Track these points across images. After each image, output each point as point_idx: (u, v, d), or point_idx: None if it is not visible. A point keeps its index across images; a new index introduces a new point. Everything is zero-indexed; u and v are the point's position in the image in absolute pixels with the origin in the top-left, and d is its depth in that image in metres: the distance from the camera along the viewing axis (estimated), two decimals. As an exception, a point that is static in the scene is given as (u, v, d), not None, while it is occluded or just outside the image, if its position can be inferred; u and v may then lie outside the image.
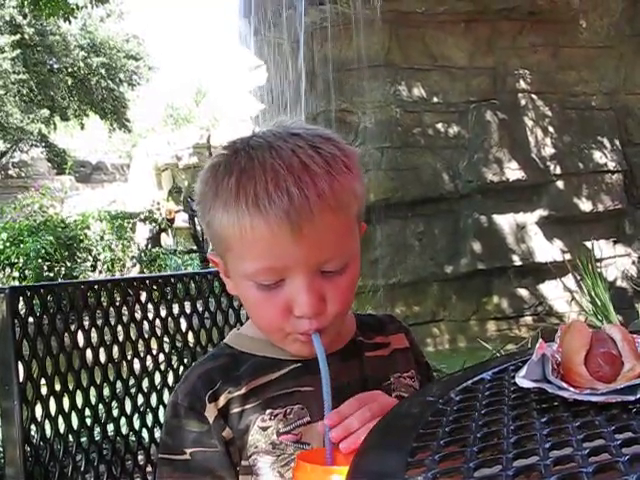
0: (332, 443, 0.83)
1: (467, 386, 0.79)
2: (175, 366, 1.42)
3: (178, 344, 1.45)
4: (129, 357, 1.36)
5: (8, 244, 8.13)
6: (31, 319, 1.16)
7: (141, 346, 1.35)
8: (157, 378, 1.40)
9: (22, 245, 8.02)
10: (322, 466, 0.80)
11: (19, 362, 1.14)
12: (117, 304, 1.32)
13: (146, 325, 1.38)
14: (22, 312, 1.15)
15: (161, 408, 1.38)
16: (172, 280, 1.44)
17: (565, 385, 0.70)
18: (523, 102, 7.42)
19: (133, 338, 1.35)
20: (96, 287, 1.29)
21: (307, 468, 0.78)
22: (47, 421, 1.20)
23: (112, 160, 25.00)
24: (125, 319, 1.33)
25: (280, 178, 0.87)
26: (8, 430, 1.15)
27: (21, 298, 1.16)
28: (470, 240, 7.26)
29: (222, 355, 1.03)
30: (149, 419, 1.40)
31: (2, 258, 8.17)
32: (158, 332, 1.42)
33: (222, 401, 0.96)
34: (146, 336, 1.38)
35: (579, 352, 0.73)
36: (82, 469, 1.23)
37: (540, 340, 0.78)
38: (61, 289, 1.22)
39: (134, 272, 9.58)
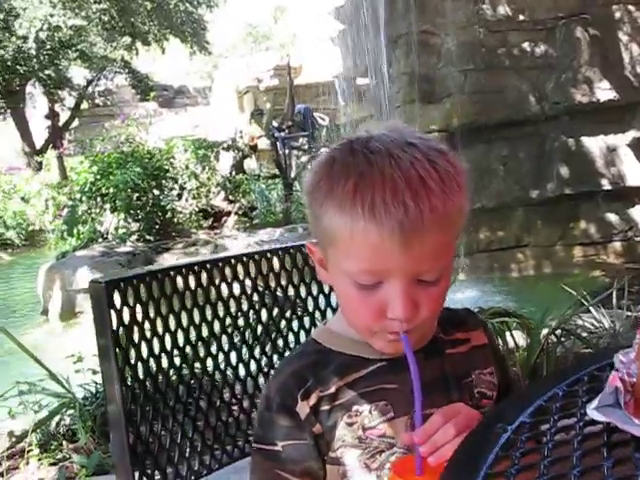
0: (421, 457, 0.88)
1: (540, 406, 0.81)
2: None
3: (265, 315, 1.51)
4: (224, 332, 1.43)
5: (99, 177, 8.42)
6: (126, 309, 1.24)
7: (230, 325, 1.42)
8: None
9: (111, 177, 8.28)
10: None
11: (117, 350, 1.23)
12: (204, 285, 1.38)
13: (233, 305, 1.43)
14: (117, 303, 1.23)
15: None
16: (255, 257, 1.49)
17: (637, 421, 0.71)
18: (617, 15, 6.99)
19: (221, 316, 1.42)
20: (184, 271, 1.35)
21: None
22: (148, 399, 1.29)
23: (194, 83, 25.19)
24: (213, 299, 1.39)
25: (398, 189, 0.90)
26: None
27: (116, 290, 1.23)
28: (556, 164, 7.06)
29: (311, 352, 1.07)
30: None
31: (94, 190, 8.49)
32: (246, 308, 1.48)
33: (313, 399, 1.01)
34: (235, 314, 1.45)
35: (653, 382, 0.74)
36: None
37: (613, 372, 0.79)
38: (152, 277, 1.29)
39: (219, 198, 9.79)
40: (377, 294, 0.94)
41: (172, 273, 1.33)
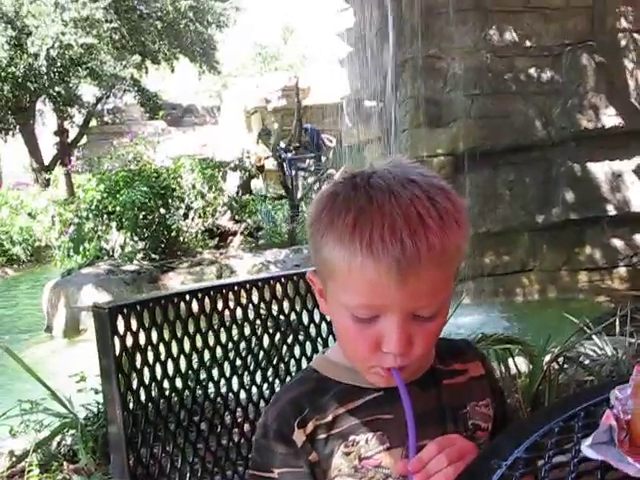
0: None
1: (535, 441, 0.82)
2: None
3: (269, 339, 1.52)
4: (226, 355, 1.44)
5: (106, 195, 8.46)
6: (129, 334, 1.25)
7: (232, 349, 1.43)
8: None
9: (118, 195, 8.32)
10: None
11: (119, 375, 1.24)
12: (207, 312, 1.40)
13: (235, 330, 1.45)
14: (120, 328, 1.25)
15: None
16: (259, 284, 1.50)
17: (630, 460, 0.72)
18: (623, 43, 7.05)
19: (223, 342, 1.43)
20: (187, 297, 1.37)
21: None
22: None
23: (202, 102, 25.35)
24: (216, 325, 1.41)
25: (396, 227, 0.91)
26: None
27: (119, 315, 1.25)
28: (562, 189, 7.07)
29: (309, 379, 1.09)
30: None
31: (100, 208, 8.53)
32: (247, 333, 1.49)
33: (310, 427, 1.02)
34: (236, 338, 1.46)
35: (647, 420, 0.75)
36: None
37: (608, 410, 0.80)
38: (155, 303, 1.31)
39: (225, 218, 9.82)
40: (373, 328, 0.95)
41: (175, 299, 1.34)
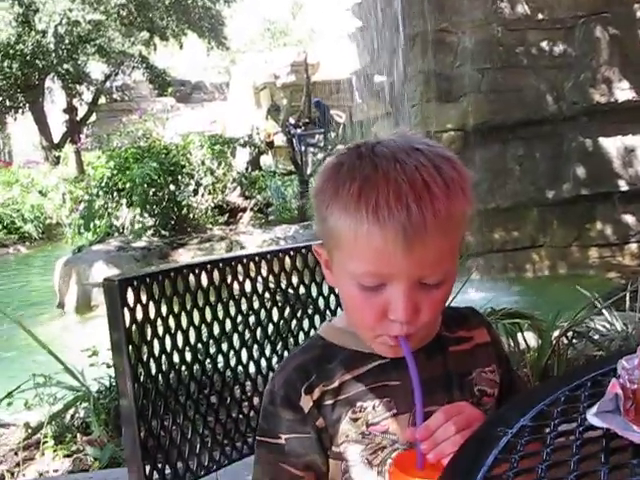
0: (422, 454, 0.91)
1: (541, 410, 0.83)
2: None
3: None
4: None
5: (115, 171, 8.47)
6: (139, 307, 1.26)
7: (242, 322, 1.44)
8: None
9: (128, 172, 8.34)
10: (412, 478, 0.89)
11: (130, 347, 1.26)
12: (216, 284, 1.41)
13: (244, 304, 1.46)
14: (130, 301, 1.26)
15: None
16: (267, 257, 1.51)
17: (635, 428, 0.72)
18: (639, 14, 6.95)
19: (233, 314, 1.44)
20: (197, 269, 1.38)
21: (400, 477, 0.90)
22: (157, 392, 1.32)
23: (211, 78, 25.26)
24: (225, 298, 1.42)
25: (402, 192, 0.92)
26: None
27: (129, 288, 1.26)
28: (573, 164, 7.03)
29: (315, 346, 1.09)
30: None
31: (110, 185, 8.55)
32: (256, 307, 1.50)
33: (317, 393, 1.03)
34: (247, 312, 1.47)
35: (653, 388, 0.75)
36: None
37: (614, 379, 0.80)
38: (165, 275, 1.32)
39: (235, 194, 9.83)
40: (380, 296, 0.96)
41: (185, 271, 1.35)
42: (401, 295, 0.94)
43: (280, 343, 1.55)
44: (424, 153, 0.96)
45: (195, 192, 9.07)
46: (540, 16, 6.97)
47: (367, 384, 1.04)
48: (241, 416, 1.52)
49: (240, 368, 1.52)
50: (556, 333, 3.09)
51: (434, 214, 0.92)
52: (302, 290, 1.61)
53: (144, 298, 1.28)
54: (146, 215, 8.46)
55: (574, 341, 3.15)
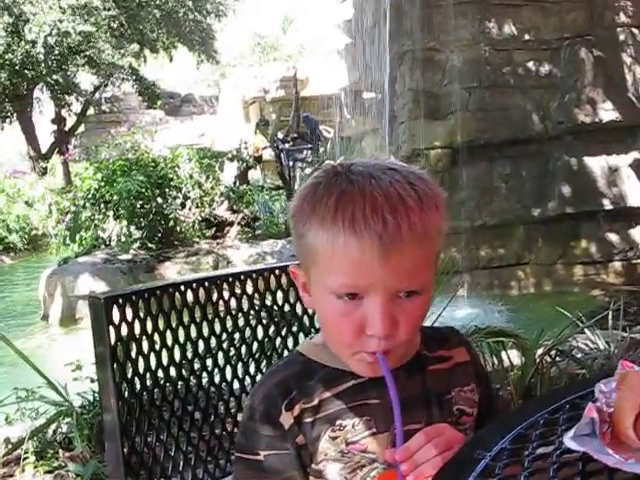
0: (402, 475, 0.91)
1: (519, 433, 0.84)
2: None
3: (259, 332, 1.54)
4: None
5: (102, 184, 8.45)
6: (124, 324, 1.27)
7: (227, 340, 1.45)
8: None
9: (116, 184, 8.32)
10: None
11: (114, 365, 1.26)
12: (202, 302, 1.42)
13: (229, 321, 1.47)
14: (115, 318, 1.26)
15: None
16: (253, 275, 1.52)
17: (611, 451, 0.74)
18: (622, 37, 7.05)
19: (218, 333, 1.45)
20: (182, 288, 1.38)
21: None
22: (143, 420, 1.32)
23: (201, 91, 25.30)
24: (210, 316, 1.43)
25: (377, 205, 0.94)
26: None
27: (114, 305, 1.27)
28: (559, 183, 7.09)
29: (296, 362, 1.10)
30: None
31: (97, 197, 8.52)
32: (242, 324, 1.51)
33: (297, 410, 1.03)
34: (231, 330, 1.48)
35: (629, 414, 0.76)
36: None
37: (590, 403, 0.82)
38: (150, 293, 1.32)
39: (222, 208, 9.82)
40: (357, 310, 0.97)
41: (171, 289, 1.36)
42: (378, 308, 0.95)
43: (264, 361, 1.56)
44: (398, 171, 1.00)
45: (182, 205, 9.06)
46: (527, 37, 7.05)
47: (346, 402, 1.04)
48: (225, 433, 1.53)
49: (224, 385, 1.52)
50: (540, 351, 3.10)
51: (409, 226, 0.94)
52: (287, 308, 1.62)
53: (129, 315, 1.29)
54: (133, 228, 8.44)
55: (557, 359, 3.16)
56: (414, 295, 0.98)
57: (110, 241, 8.64)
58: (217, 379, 1.51)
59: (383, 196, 0.95)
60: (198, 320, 1.41)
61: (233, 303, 1.49)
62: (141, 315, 1.30)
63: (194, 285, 1.41)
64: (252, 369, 1.54)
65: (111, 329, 1.25)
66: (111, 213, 8.47)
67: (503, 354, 3.10)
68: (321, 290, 1.00)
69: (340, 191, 0.96)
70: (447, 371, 1.12)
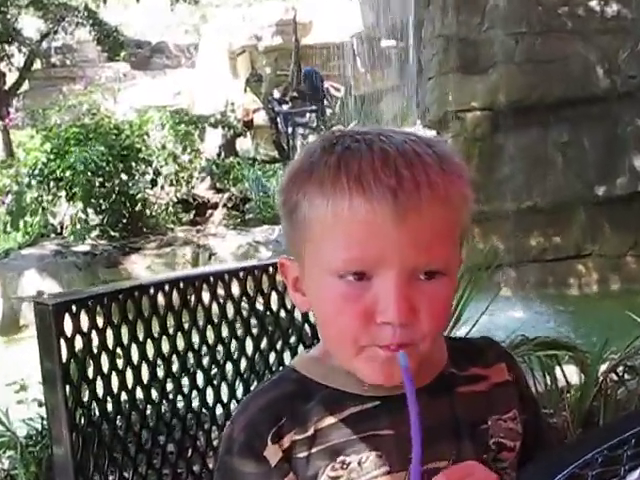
0: None
1: (573, 474, 0.85)
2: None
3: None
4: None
5: (52, 156, 8.47)
6: (79, 336, 1.28)
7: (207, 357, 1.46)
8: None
9: (69, 157, 8.33)
10: None
11: (67, 386, 1.27)
12: (176, 309, 1.43)
13: (210, 331, 1.48)
14: (68, 329, 1.27)
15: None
16: (240, 274, 1.53)
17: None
18: None
19: (196, 348, 1.46)
20: (152, 290, 1.39)
21: None
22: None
23: (176, 39, 25.25)
24: (186, 326, 1.44)
25: (390, 158, 0.95)
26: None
27: (67, 313, 1.28)
28: (630, 153, 7.09)
29: (288, 381, 1.09)
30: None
31: (46, 172, 8.54)
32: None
33: (287, 442, 1.02)
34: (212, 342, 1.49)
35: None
36: None
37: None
38: (111, 298, 1.33)
39: (204, 187, 9.84)
40: (364, 294, 0.95)
41: (136, 293, 1.37)
42: (392, 287, 0.94)
43: (255, 381, 1.57)
44: (412, 133, 1.01)
45: (153, 183, 9.08)
46: (589, -32, 7.04)
47: (351, 433, 1.03)
48: (205, 471, 1.54)
49: (205, 412, 1.53)
50: (604, 367, 3.11)
51: (429, 184, 0.94)
52: (283, 314, 1.62)
53: (85, 325, 1.30)
54: (91, 211, 8.46)
55: (626, 378, 3.16)
56: (436, 277, 0.97)
57: (62, 228, 8.66)
58: (196, 404, 1.52)
59: (396, 150, 0.96)
60: (171, 331, 1.42)
61: (215, 309, 1.50)
62: (100, 325, 1.31)
63: (166, 287, 1.42)
64: (240, 392, 1.55)
65: (62, 342, 1.26)
66: (63, 193, 8.49)
67: (558, 371, 3.11)
68: (317, 274, 0.99)
69: (343, 147, 0.97)
70: (482, 394, 1.11)
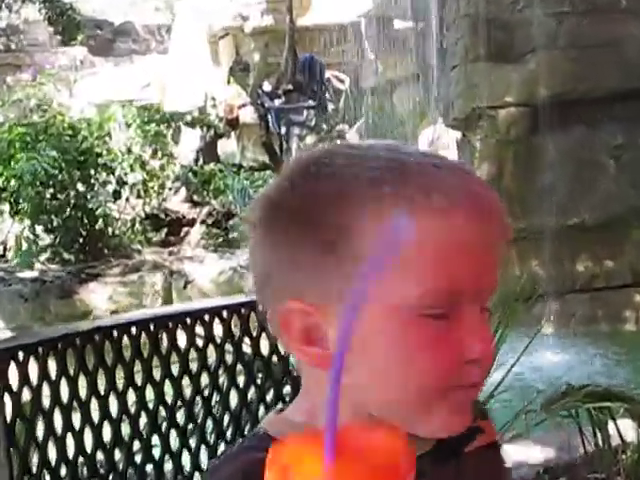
0: None
1: None
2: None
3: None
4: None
5: (-6, 162, 8.51)
6: (26, 389, 1.29)
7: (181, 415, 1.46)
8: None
9: (13, 164, 8.36)
10: None
11: (11, 451, 1.27)
12: (144, 356, 1.43)
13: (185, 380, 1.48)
14: (14, 382, 1.28)
15: None
16: (224, 313, 1.54)
17: None
18: None
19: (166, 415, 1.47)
20: (116, 333, 1.40)
21: None
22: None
23: (144, 19, 25.35)
24: (157, 375, 1.44)
25: (456, 175, 0.97)
26: None
27: (12, 362, 1.28)
28: (698, 158, 7.11)
29: (259, 447, 1.09)
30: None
31: (-14, 182, 8.58)
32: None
33: None
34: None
35: None
36: None
37: None
38: (66, 343, 1.34)
39: (178, 199, 9.86)
40: (450, 332, 0.96)
41: (97, 337, 1.37)
42: (477, 318, 0.96)
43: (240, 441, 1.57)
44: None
45: (116, 195, 9.10)
46: None
47: None
48: None
49: (180, 479, 1.54)
50: (666, 423, 3.12)
51: (495, 204, 0.98)
52: (275, 360, 1.63)
53: (34, 376, 1.30)
54: (40, 229, 8.47)
55: (694, 435, 3.18)
56: (485, 313, 0.99)
57: (5, 250, 8.68)
58: (168, 469, 1.53)
59: (457, 170, 0.99)
60: (139, 382, 1.43)
61: (193, 355, 1.50)
62: (52, 375, 1.32)
63: (133, 329, 1.42)
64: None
65: (6, 396, 1.27)
66: (7, 207, 8.50)
67: (611, 426, 3.11)
68: (378, 314, 0.99)
69: (394, 165, 0.96)
70: (489, 451, 1.12)
